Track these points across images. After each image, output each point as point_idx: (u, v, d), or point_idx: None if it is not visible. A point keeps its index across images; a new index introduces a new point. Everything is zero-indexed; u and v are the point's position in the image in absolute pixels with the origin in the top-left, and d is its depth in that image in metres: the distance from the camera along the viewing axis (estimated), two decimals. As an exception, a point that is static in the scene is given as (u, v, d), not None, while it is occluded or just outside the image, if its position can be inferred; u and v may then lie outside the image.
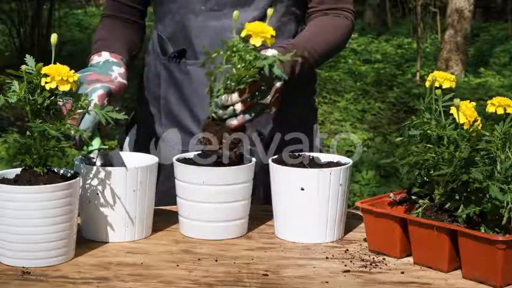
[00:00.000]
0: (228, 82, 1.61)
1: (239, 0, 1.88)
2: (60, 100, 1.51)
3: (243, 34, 1.60)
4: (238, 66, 1.59)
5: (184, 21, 1.92)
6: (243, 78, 1.60)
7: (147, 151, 1.82)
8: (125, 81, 1.79)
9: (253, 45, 1.59)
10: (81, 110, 1.54)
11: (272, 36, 1.61)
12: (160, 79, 1.98)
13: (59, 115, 1.51)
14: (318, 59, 1.85)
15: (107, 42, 1.90)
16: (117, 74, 1.78)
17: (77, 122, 1.62)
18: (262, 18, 1.89)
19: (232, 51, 1.59)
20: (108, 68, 1.79)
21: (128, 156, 1.75)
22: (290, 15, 1.94)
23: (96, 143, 1.66)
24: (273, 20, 1.90)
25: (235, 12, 1.65)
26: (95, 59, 1.83)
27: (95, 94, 1.68)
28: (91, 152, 1.66)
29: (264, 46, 1.62)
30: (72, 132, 1.51)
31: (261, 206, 1.79)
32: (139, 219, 1.64)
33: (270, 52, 1.69)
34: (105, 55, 1.84)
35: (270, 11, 1.67)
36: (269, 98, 1.65)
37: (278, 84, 1.66)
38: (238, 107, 1.62)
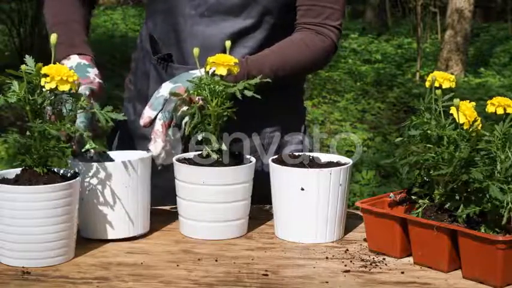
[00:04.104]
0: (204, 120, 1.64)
1: (230, 9, 1.87)
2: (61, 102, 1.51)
3: (207, 68, 1.63)
4: (211, 99, 1.61)
5: (174, 24, 1.90)
6: (218, 116, 1.63)
7: (131, 149, 1.80)
8: (102, 81, 1.79)
9: (220, 75, 1.62)
10: (81, 110, 1.54)
11: (235, 63, 1.63)
12: (150, 78, 1.96)
13: (59, 115, 1.51)
14: (271, 76, 1.76)
15: (69, 37, 1.85)
16: (94, 75, 1.79)
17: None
18: (252, 28, 1.88)
19: (201, 85, 1.62)
20: (84, 70, 1.78)
21: (121, 153, 1.74)
22: (279, 26, 1.91)
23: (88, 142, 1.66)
24: (263, 30, 1.90)
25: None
26: (66, 63, 1.80)
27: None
28: (86, 151, 1.65)
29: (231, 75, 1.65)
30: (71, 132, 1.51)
31: (261, 206, 1.79)
32: (134, 214, 1.63)
33: (199, 73, 1.69)
34: (74, 58, 1.81)
35: (228, 43, 1.69)
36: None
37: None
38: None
